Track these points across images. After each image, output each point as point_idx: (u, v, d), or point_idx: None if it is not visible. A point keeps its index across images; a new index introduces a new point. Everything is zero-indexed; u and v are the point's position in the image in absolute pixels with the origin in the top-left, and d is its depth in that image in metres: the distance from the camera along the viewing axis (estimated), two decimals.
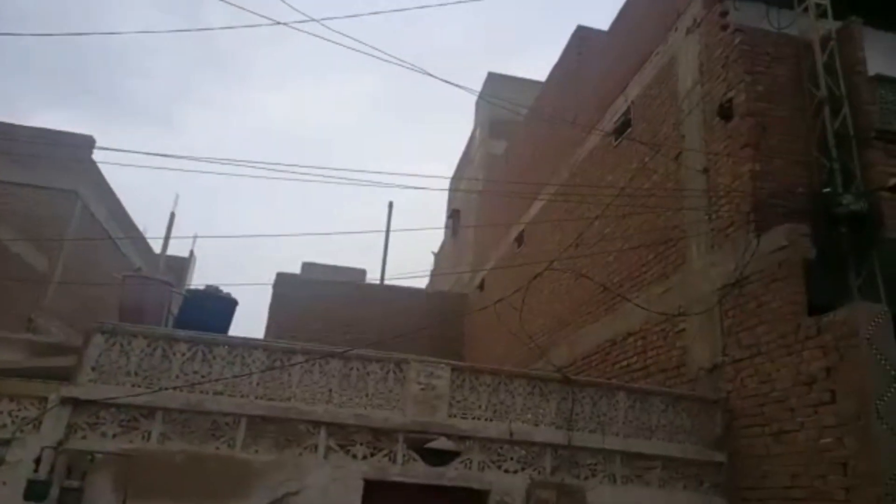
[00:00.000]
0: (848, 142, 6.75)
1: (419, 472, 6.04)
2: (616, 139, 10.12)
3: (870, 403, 4.75)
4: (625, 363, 8.58)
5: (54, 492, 5.17)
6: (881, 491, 4.51)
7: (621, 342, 8.79)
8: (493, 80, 20.14)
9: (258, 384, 5.92)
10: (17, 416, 5.53)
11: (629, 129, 9.76)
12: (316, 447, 5.87)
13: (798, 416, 5.43)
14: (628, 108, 9.84)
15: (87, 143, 16.43)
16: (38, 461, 5.21)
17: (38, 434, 5.43)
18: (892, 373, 4.85)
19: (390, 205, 11.90)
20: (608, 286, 9.27)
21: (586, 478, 6.23)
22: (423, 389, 6.36)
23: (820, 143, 6.88)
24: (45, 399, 5.57)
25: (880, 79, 7.19)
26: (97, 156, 16.53)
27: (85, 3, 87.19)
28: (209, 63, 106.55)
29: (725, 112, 7.46)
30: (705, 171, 7.72)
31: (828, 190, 6.46)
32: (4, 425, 5.46)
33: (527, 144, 15.12)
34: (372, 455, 5.97)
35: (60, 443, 5.37)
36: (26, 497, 5.06)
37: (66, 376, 5.74)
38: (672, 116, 8.56)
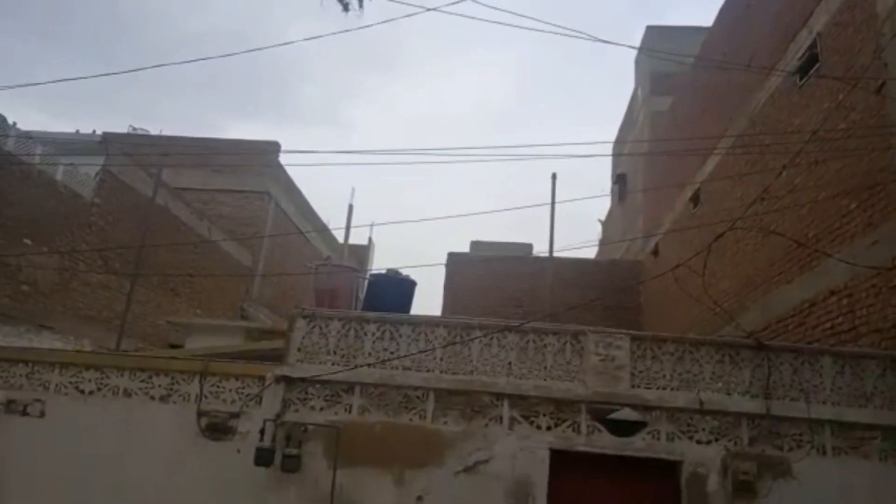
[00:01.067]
0: None
1: (605, 443, 6.01)
2: (802, 78, 9.08)
3: None
4: (828, 325, 7.75)
5: (277, 458, 5.90)
6: None
7: (822, 302, 7.95)
8: (652, 32, 18.96)
9: (441, 359, 6.24)
10: (242, 393, 6.38)
11: (817, 65, 8.70)
12: (501, 418, 6.07)
13: None
14: (814, 41, 8.77)
15: (274, 147, 18.20)
16: (262, 432, 5.97)
17: (260, 408, 6.22)
18: None
19: (553, 176, 11.74)
20: (803, 241, 8.40)
21: (790, 449, 5.78)
22: (602, 360, 6.29)
23: None
24: (263, 378, 6.36)
25: None
26: (283, 158, 18.26)
27: (255, 23, 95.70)
28: (369, 61, 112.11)
29: None
30: None
31: None
32: (233, 401, 6.33)
33: (695, 96, 14.08)
34: (556, 426, 6.04)
35: (278, 415, 6.10)
36: (256, 462, 5.83)
37: (277, 357, 6.50)
38: (871, 43, 7.48)
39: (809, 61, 8.92)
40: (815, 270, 8.23)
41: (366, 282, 9.27)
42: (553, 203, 11.68)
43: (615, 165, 21.52)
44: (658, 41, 17.78)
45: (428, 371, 6.21)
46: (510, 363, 6.23)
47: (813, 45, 8.80)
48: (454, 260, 16.84)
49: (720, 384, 6.05)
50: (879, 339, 6.76)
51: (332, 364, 6.26)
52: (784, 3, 9.87)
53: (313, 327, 6.44)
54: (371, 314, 6.67)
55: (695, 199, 12.98)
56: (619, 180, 20.03)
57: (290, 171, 19.55)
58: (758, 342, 6.23)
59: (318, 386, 6.22)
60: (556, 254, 12.14)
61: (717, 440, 5.87)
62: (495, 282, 16.26)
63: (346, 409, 6.15)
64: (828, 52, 8.46)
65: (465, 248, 19.82)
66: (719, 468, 5.73)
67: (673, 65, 15.41)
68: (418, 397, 6.15)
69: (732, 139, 11.15)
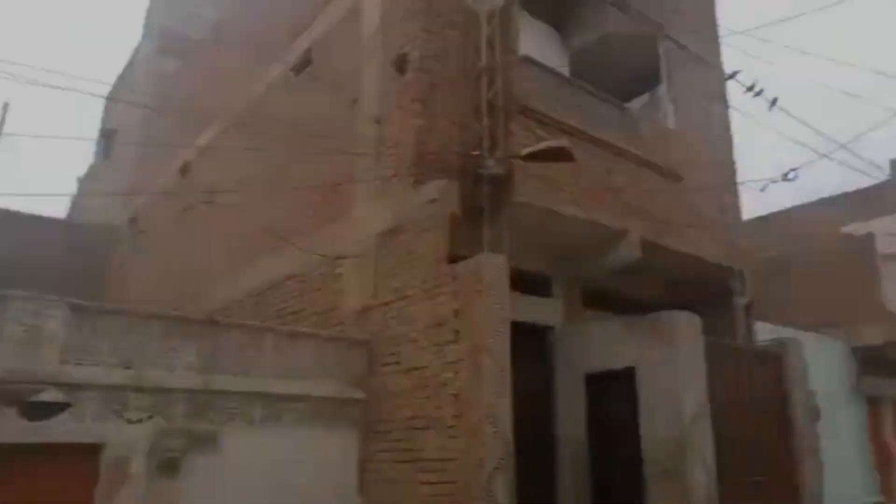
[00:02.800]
0: (497, 112, 7.46)
1: (14, 430, 4.97)
2: (297, 75, 9.69)
3: (483, 342, 5.35)
4: (282, 306, 8.39)
5: None
6: (482, 413, 5.13)
7: (281, 284, 8.57)
8: None
9: None
10: None
11: (310, 67, 9.42)
12: None
13: (427, 354, 5.89)
14: (312, 46, 9.48)
15: None
16: None
17: None
18: (503, 314, 5.55)
19: (5, 107, 9.55)
20: (273, 227, 8.91)
21: (223, 422, 5.87)
22: (27, 331, 5.23)
23: (476, 110, 7.47)
24: None
25: (528, 60, 8.10)
26: None
27: None
28: None
29: (401, 65, 7.62)
30: (378, 120, 7.81)
31: (476, 153, 7.06)
32: None
33: (202, 66, 13.68)
34: None
35: None
36: None
37: None
38: (353, 61, 8.47)
39: (304, 62, 9.59)
40: (281, 255, 8.81)
41: None
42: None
43: (105, 119, 19.25)
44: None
45: None
46: None
47: (310, 50, 9.49)
48: None
49: (165, 360, 5.75)
50: (319, 320, 7.61)
51: None
52: (297, 2, 10.40)
53: None
54: None
55: (184, 170, 12.53)
56: (107, 135, 17.95)
57: None
58: (208, 318, 6.18)
59: None
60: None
61: (150, 418, 5.53)
62: None
63: None
64: (321, 57, 9.24)
65: None
66: (147, 448, 5.40)
67: (187, 27, 14.62)
68: None
69: (229, 118, 11.17)
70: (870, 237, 15.51)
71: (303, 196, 8.56)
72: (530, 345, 8.46)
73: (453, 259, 6.23)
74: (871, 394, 14.17)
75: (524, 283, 8.31)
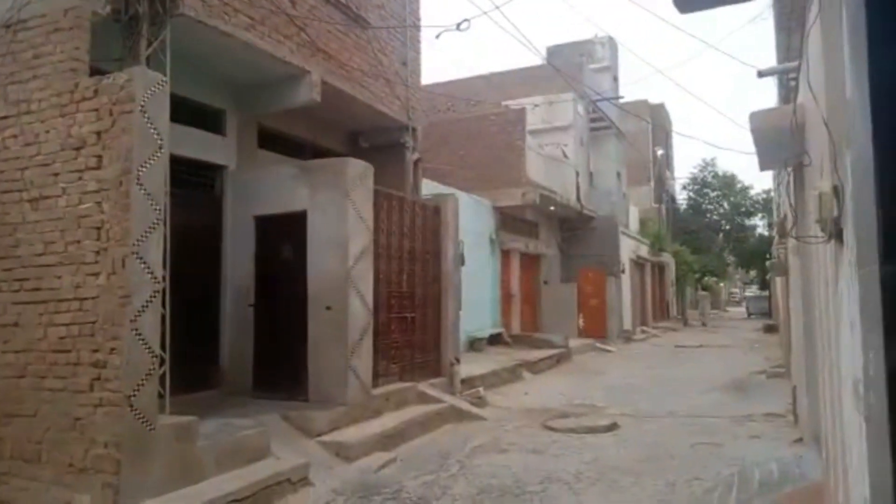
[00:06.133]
0: None
1: None
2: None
3: (133, 169, 4.68)
4: None
5: None
6: (129, 250, 4.60)
7: None
8: None
9: None
10: None
11: None
12: None
13: (61, 182, 4.97)
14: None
15: None
16: None
17: None
18: (159, 141, 4.90)
19: None
20: None
21: None
22: None
23: None
24: None
25: None
26: None
27: None
28: None
29: None
30: None
31: None
32: None
33: None
34: None
35: None
36: None
37: None
38: None
39: None
40: None
41: None
42: None
43: None
44: None
45: None
46: None
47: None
48: None
49: None
50: None
51: None
52: None
53: None
54: None
55: None
56: None
57: None
58: None
59: None
60: None
61: None
62: None
63: None
64: None
65: None
66: None
67: None
68: None
69: None
70: (522, 112, 17.83)
71: None
72: (198, 183, 7.86)
73: (98, 72, 5.21)
74: (506, 247, 16.92)
75: (194, 115, 7.54)
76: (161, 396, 4.96)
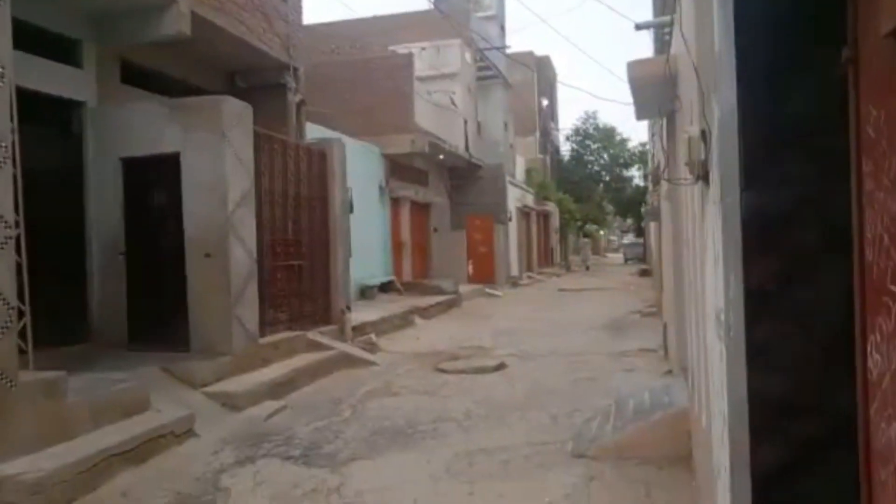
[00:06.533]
0: None
1: None
2: None
3: None
4: None
5: None
6: None
7: None
8: None
9: None
10: None
11: None
12: None
13: None
14: None
15: None
16: None
17: None
18: (1, 69, 4.32)
19: None
20: None
21: None
22: None
23: None
24: None
25: None
26: None
27: None
28: None
29: None
30: None
31: None
32: None
33: None
34: None
35: None
36: None
37: None
38: None
39: None
40: None
41: None
42: None
43: None
44: None
45: None
46: None
47: None
48: None
49: None
50: None
51: None
52: None
53: None
54: None
55: None
56: None
57: None
58: None
59: None
60: None
61: None
62: None
63: None
64: None
65: None
66: None
67: None
68: None
69: None
70: (410, 57, 17.50)
71: None
72: (52, 120, 7.10)
73: None
74: (395, 195, 16.82)
75: (43, 44, 6.72)
76: (23, 352, 4.54)
